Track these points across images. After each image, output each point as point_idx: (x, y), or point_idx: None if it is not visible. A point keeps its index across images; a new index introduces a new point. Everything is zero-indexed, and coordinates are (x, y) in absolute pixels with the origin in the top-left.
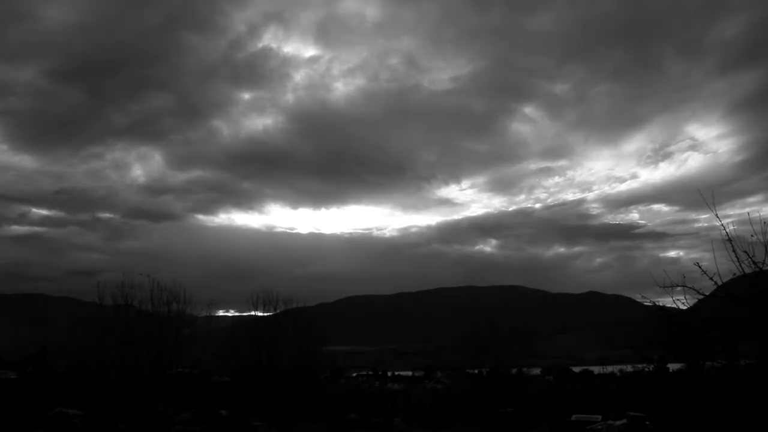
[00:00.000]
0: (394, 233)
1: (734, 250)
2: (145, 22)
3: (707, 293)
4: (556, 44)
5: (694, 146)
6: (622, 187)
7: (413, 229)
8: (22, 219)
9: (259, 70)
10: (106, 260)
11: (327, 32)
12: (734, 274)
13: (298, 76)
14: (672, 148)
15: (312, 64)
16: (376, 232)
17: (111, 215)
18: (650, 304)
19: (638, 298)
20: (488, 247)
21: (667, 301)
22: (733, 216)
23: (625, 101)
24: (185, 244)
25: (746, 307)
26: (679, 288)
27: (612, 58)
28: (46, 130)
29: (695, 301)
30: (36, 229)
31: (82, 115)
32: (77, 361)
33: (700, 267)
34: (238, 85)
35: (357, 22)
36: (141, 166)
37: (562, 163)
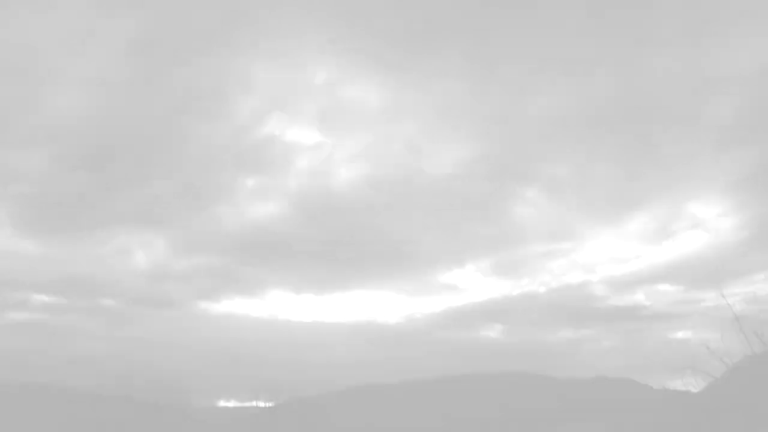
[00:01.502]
0: (398, 320)
1: (742, 331)
2: (151, 109)
3: (718, 375)
4: (555, 128)
5: (696, 224)
6: (626, 268)
7: (417, 315)
8: (22, 306)
9: (263, 157)
10: (107, 348)
11: (330, 118)
12: (745, 354)
13: (302, 163)
14: (674, 227)
15: (315, 150)
16: (379, 319)
17: (113, 302)
18: (660, 388)
19: (648, 382)
20: (492, 332)
21: (677, 384)
22: (739, 294)
23: (626, 182)
24: (187, 332)
25: (760, 389)
26: (689, 371)
27: (610, 140)
28: (49, 215)
29: (706, 384)
30: (36, 316)
31: (86, 201)
32: None
33: (709, 349)
34: (242, 171)
35: (359, 108)
36: (144, 252)
37: (566, 245)
